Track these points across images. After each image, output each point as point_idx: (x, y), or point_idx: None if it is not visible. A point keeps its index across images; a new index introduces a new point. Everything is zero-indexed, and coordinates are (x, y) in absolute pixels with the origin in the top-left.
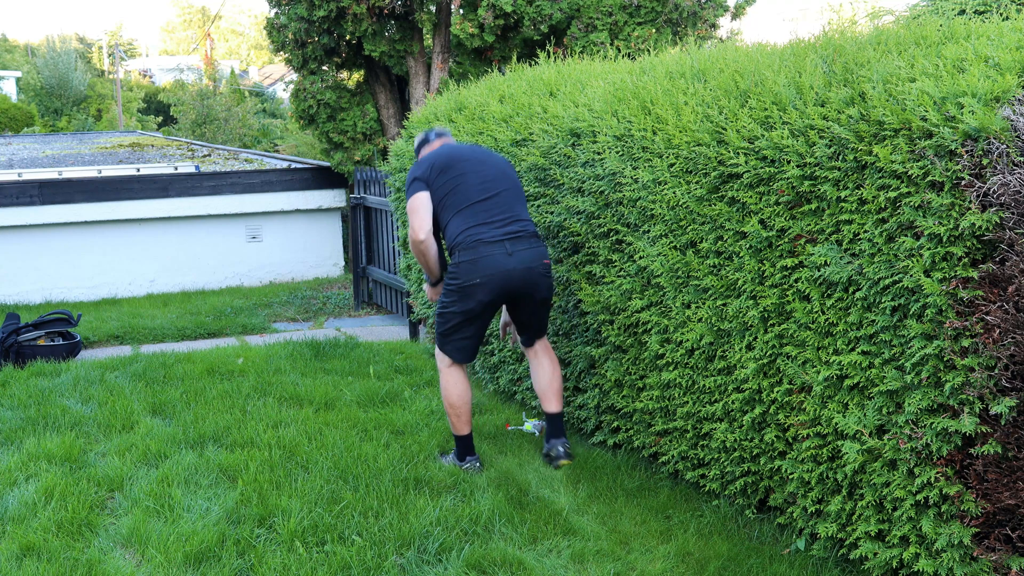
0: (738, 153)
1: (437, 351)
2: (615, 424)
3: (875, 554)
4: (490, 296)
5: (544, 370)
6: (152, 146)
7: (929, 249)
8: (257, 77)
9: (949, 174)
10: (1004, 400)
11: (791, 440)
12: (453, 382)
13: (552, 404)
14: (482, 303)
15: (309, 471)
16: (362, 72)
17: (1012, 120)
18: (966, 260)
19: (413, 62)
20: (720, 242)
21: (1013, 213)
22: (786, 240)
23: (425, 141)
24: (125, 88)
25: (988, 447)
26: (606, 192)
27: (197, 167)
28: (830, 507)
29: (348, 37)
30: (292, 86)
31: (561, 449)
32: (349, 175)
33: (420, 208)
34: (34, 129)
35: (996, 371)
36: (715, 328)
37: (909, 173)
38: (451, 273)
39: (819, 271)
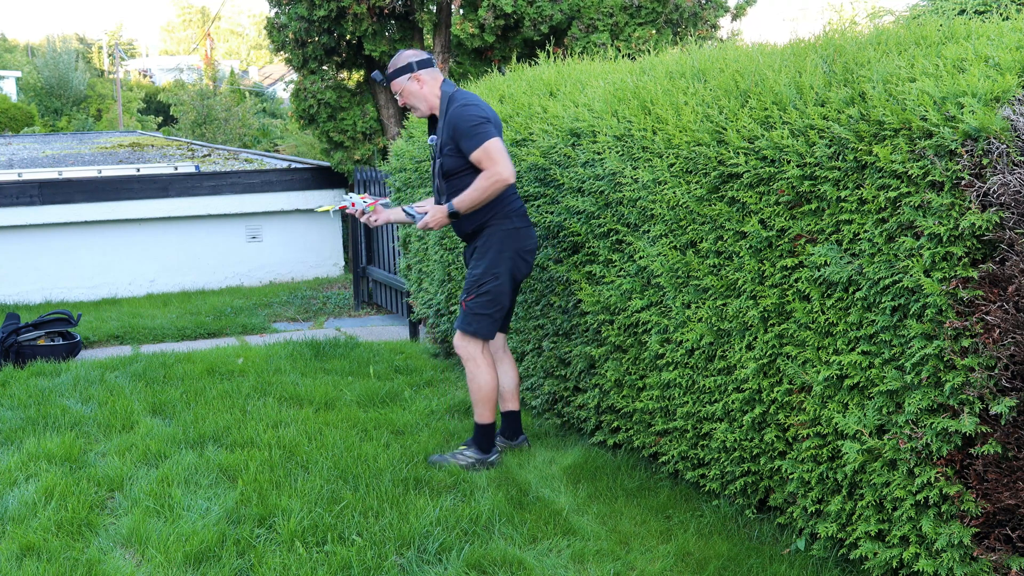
0: (738, 153)
1: (465, 340)
2: (615, 424)
3: (875, 554)
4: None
5: (511, 369)
6: (152, 146)
7: (929, 249)
8: (257, 77)
9: (949, 174)
10: (1004, 400)
11: (791, 440)
12: (488, 365)
13: (516, 403)
14: (530, 266)
15: (309, 471)
16: (362, 72)
17: (1012, 120)
18: (966, 260)
19: None
20: (720, 242)
21: (1013, 213)
22: (786, 240)
23: (429, 64)
24: (125, 88)
25: (988, 447)
26: (606, 192)
27: (197, 167)
28: (830, 507)
29: (348, 37)
30: (292, 86)
31: (527, 445)
32: (349, 175)
33: (505, 153)
34: (34, 129)
35: (996, 371)
36: (715, 328)
37: (909, 173)
38: (512, 236)
39: (819, 271)
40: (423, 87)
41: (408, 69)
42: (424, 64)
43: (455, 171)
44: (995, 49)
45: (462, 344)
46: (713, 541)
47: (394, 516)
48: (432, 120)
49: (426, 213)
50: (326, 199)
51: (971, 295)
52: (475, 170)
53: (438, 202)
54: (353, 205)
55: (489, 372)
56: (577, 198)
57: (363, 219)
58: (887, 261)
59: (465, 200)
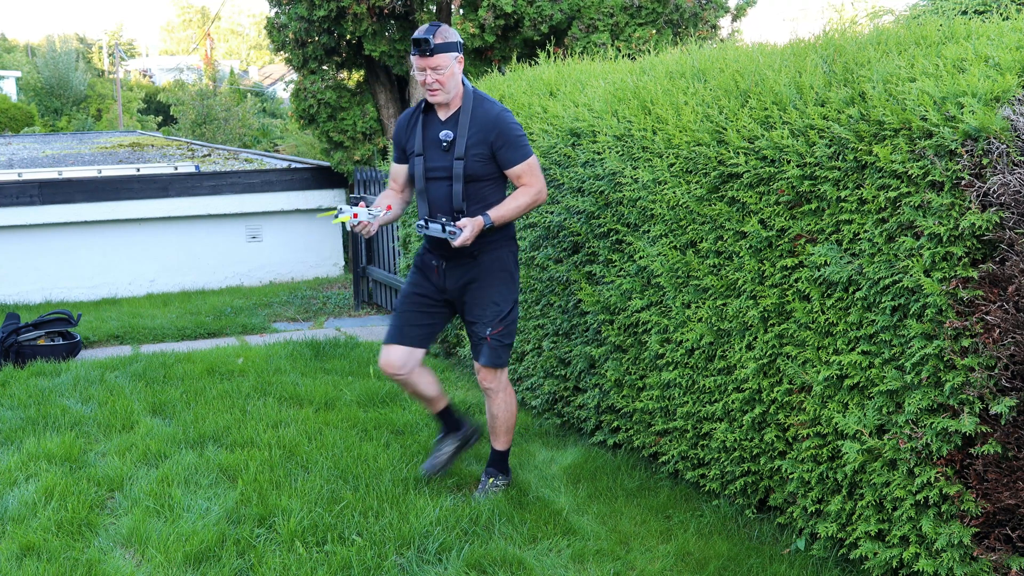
0: (738, 153)
1: (499, 373)
2: (615, 424)
3: (875, 554)
4: None
5: (432, 374)
6: (152, 146)
7: (929, 249)
8: (257, 77)
9: (949, 174)
10: (1004, 400)
11: (791, 440)
12: (513, 390)
13: (445, 398)
14: None
15: (309, 471)
16: (362, 72)
17: (1012, 120)
18: (966, 260)
19: None
20: (720, 242)
21: (1013, 213)
22: (786, 240)
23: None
24: (125, 88)
25: (988, 447)
26: (606, 192)
27: (197, 167)
28: (830, 507)
29: (348, 37)
30: (292, 86)
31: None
32: (349, 175)
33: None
34: (34, 129)
35: (996, 371)
36: (715, 328)
37: (909, 173)
38: (516, 258)
39: (819, 271)
40: (459, 74)
41: (457, 48)
42: (460, 46)
43: (479, 179)
44: (995, 49)
45: (495, 378)
46: (713, 541)
47: (394, 516)
48: (429, 110)
49: (462, 228)
50: (326, 199)
51: (971, 295)
52: (498, 181)
53: (442, 209)
54: (355, 216)
55: (514, 398)
56: (577, 198)
57: (362, 231)
58: (887, 261)
59: (504, 215)
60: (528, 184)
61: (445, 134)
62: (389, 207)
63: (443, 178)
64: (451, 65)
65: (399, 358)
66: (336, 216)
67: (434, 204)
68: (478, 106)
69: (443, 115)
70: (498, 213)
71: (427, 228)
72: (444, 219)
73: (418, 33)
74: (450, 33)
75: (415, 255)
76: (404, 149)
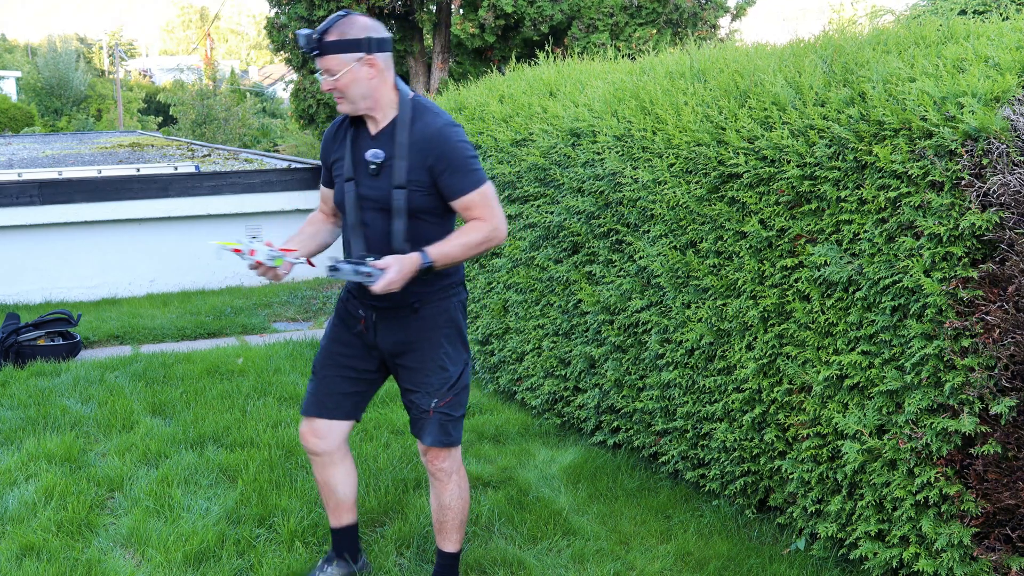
0: (738, 153)
1: (451, 452)
2: (615, 424)
3: (875, 554)
4: None
5: (355, 471)
6: (152, 146)
7: (929, 249)
8: (257, 77)
9: (949, 174)
10: (1004, 400)
11: (791, 440)
12: (467, 475)
13: (356, 512)
14: None
15: (309, 471)
16: None
17: (1012, 120)
18: (966, 260)
19: (413, 62)
20: (720, 242)
21: (1013, 213)
22: (786, 240)
23: (389, 47)
24: (125, 88)
25: (988, 447)
26: (606, 192)
27: (197, 167)
28: (830, 507)
29: None
30: (292, 86)
31: (370, 569)
32: None
33: (499, 200)
34: (34, 129)
35: (996, 371)
36: (715, 328)
37: (909, 173)
38: (464, 309)
39: (819, 271)
40: (375, 79)
41: (359, 47)
42: (383, 46)
43: (421, 213)
44: (995, 49)
45: (447, 456)
46: (713, 541)
47: (394, 516)
48: (358, 122)
49: (381, 270)
50: None
51: (971, 295)
52: (445, 217)
53: (379, 250)
54: (252, 253)
55: (468, 481)
56: (577, 198)
57: (267, 275)
58: (887, 261)
59: (448, 254)
60: (481, 218)
61: (373, 154)
62: (290, 249)
63: (378, 210)
64: (352, 69)
65: (324, 431)
66: (241, 252)
67: (372, 242)
68: (418, 119)
69: (373, 129)
70: (440, 250)
71: (338, 271)
72: (359, 256)
73: (308, 29)
74: (351, 25)
75: (336, 300)
76: (331, 169)
